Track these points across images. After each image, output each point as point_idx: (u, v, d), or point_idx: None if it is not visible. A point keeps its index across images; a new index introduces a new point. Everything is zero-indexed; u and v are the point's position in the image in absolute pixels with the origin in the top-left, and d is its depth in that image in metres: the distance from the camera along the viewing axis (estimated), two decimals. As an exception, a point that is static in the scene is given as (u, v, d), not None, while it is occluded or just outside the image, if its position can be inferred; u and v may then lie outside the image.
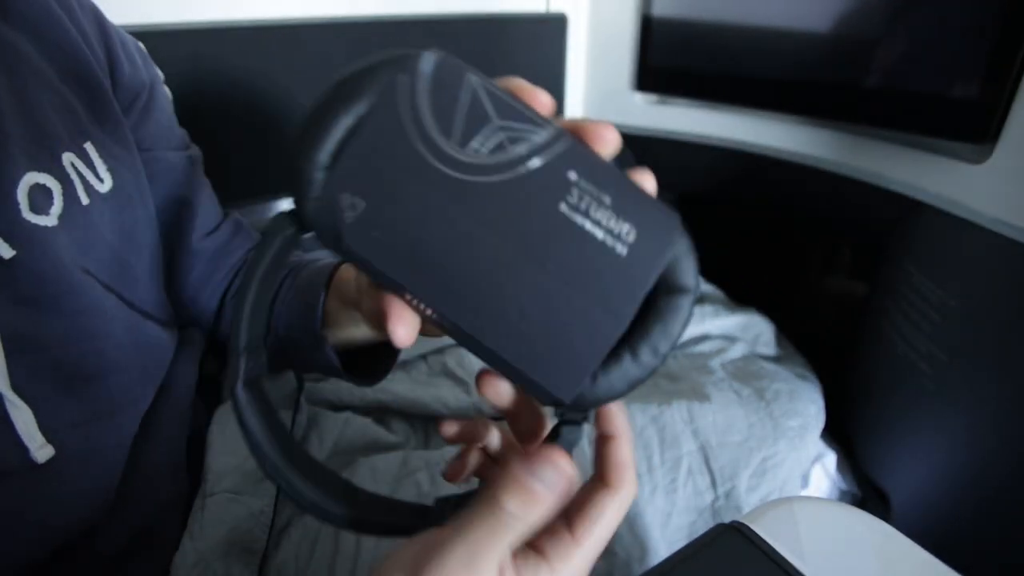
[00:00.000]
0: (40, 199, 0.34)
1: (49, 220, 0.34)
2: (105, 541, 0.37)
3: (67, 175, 0.36)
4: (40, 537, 0.35)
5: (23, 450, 0.33)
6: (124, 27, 0.63)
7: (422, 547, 0.22)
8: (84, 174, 0.37)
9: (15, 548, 0.34)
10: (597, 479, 0.24)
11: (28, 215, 0.33)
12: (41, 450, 0.34)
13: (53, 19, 0.38)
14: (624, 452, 0.25)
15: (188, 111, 0.67)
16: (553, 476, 0.22)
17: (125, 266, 0.40)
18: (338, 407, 0.58)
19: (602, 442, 0.25)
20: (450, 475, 0.32)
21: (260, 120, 0.72)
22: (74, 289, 0.35)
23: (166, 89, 0.49)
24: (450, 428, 0.31)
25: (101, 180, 0.38)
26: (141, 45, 0.47)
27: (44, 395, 0.34)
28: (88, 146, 0.38)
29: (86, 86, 0.39)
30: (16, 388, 0.33)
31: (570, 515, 0.23)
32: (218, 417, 0.50)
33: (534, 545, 0.23)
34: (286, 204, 0.78)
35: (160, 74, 0.48)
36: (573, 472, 0.23)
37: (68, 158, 0.36)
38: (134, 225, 0.41)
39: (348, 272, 0.42)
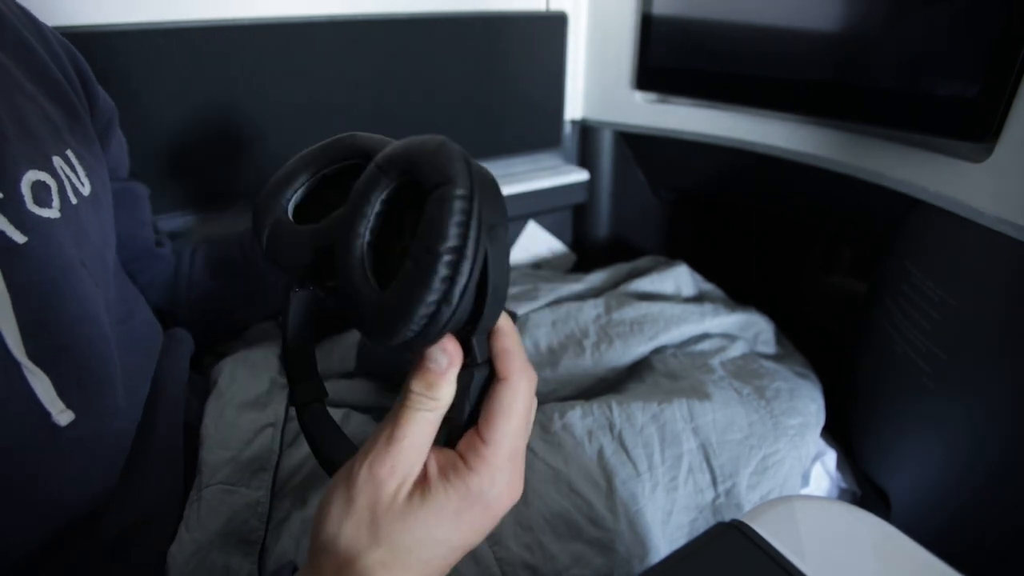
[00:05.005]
0: (42, 194, 0.36)
1: (52, 213, 0.37)
2: (106, 526, 0.38)
3: (59, 175, 0.38)
4: (49, 514, 0.36)
5: (45, 415, 0.35)
6: (125, 25, 0.64)
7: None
8: (70, 177, 0.40)
9: (25, 523, 0.35)
10: (494, 376, 0.29)
11: (33, 207, 0.35)
12: (62, 414, 0.35)
13: (28, 45, 0.42)
14: (505, 341, 0.29)
15: (188, 111, 0.67)
16: (441, 358, 0.27)
17: (104, 265, 0.43)
18: (337, 404, 0.58)
19: (490, 339, 0.29)
20: None
21: (260, 120, 0.72)
22: (77, 276, 0.38)
23: None
24: None
25: (83, 184, 0.41)
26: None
27: (59, 368, 0.35)
28: (69, 153, 0.41)
29: (61, 103, 0.43)
30: (32, 358, 0.34)
31: (479, 423, 0.29)
32: (210, 411, 0.50)
33: (457, 454, 0.29)
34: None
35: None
36: (458, 353, 0.28)
37: (57, 161, 0.39)
38: (106, 228, 0.45)
39: None
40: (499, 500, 0.29)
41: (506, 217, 0.27)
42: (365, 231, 0.27)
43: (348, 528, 0.27)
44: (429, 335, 0.25)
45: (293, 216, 0.33)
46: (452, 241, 0.23)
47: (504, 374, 0.29)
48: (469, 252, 0.24)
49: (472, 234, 0.24)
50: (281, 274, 0.55)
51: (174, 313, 0.60)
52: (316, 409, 0.35)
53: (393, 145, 0.28)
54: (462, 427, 0.29)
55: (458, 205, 0.23)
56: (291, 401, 0.36)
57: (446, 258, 0.23)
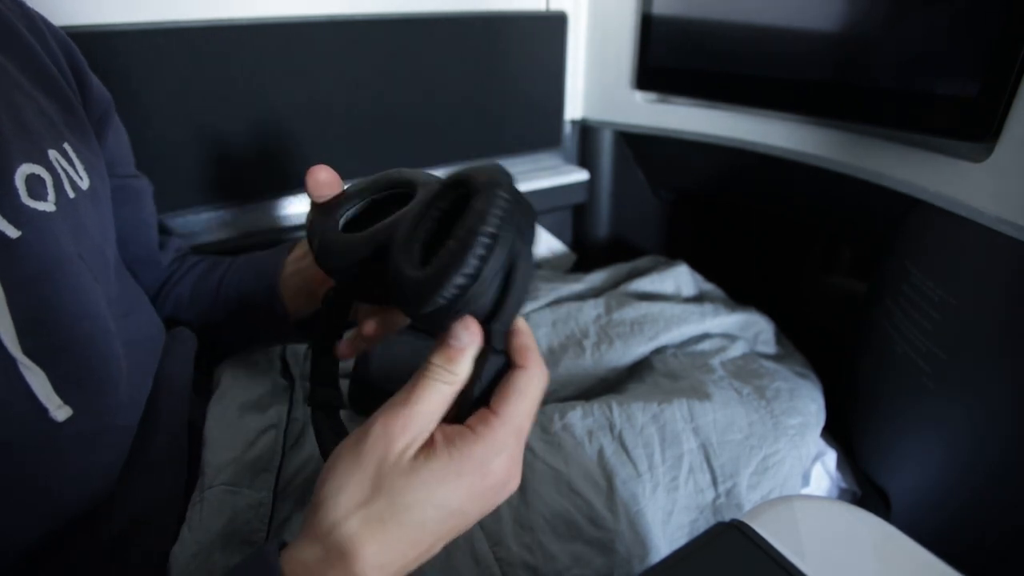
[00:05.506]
0: (37, 187, 0.36)
1: (48, 206, 0.36)
2: (106, 525, 0.38)
3: (55, 169, 0.38)
4: (49, 512, 0.36)
5: (42, 411, 0.34)
6: (125, 25, 0.64)
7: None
8: (67, 170, 0.40)
9: (24, 521, 0.35)
10: (510, 366, 0.31)
11: (28, 200, 0.35)
12: (59, 410, 0.35)
13: (23, 40, 0.41)
14: (524, 339, 0.32)
15: (188, 111, 0.67)
16: (463, 335, 0.30)
17: (104, 259, 0.43)
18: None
19: (509, 337, 0.32)
20: (344, 351, 0.41)
21: (260, 120, 0.72)
22: (75, 271, 0.37)
23: None
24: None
25: (81, 178, 0.41)
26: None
27: (56, 364, 0.35)
28: (66, 146, 0.41)
29: (57, 98, 0.43)
30: (28, 354, 0.34)
31: (491, 400, 0.31)
32: (213, 412, 0.50)
33: (465, 424, 0.30)
34: (290, 203, 0.78)
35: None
36: (479, 335, 0.30)
37: (53, 154, 0.39)
38: (106, 223, 0.44)
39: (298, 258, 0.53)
40: (496, 474, 0.30)
41: (535, 235, 0.31)
42: (422, 230, 0.32)
43: (352, 482, 0.29)
44: (456, 306, 0.28)
45: (343, 231, 0.38)
46: (491, 227, 0.27)
47: (522, 363, 0.31)
48: (504, 241, 0.28)
49: (509, 227, 0.28)
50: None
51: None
52: (331, 413, 0.39)
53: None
54: (471, 405, 0.31)
55: (501, 202, 0.28)
56: (309, 401, 0.40)
57: (484, 240, 0.27)
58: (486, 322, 0.30)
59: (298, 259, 0.52)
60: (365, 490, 0.29)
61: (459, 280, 0.27)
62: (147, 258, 0.56)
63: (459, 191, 0.31)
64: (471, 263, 0.27)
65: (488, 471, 0.30)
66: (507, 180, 0.29)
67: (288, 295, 0.52)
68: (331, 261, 0.37)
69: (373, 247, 0.35)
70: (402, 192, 0.38)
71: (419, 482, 0.29)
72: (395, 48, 0.77)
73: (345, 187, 0.41)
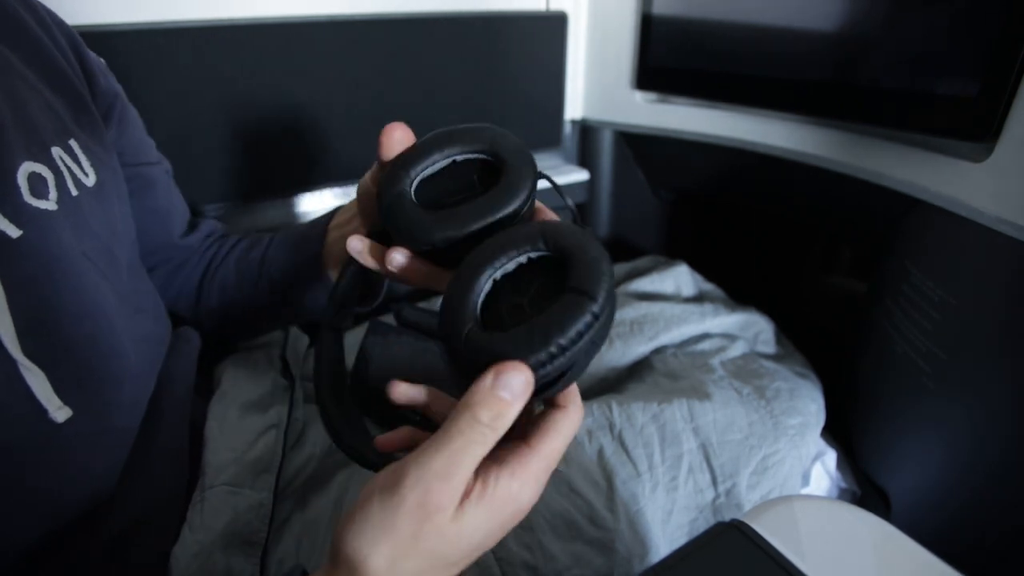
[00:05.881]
0: (39, 186, 0.36)
1: (50, 204, 0.36)
2: (106, 525, 0.38)
3: (58, 166, 0.38)
4: (49, 512, 0.36)
5: (42, 412, 0.34)
6: (125, 25, 0.64)
7: (401, 463, 0.27)
8: (71, 167, 0.39)
9: (25, 521, 0.35)
10: (548, 405, 0.31)
11: (30, 199, 0.35)
12: (59, 411, 0.35)
13: (30, 33, 0.41)
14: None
15: (188, 111, 0.67)
16: (518, 384, 0.27)
17: (112, 256, 0.42)
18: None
19: None
20: (383, 444, 0.35)
21: (259, 120, 0.72)
22: (77, 270, 0.37)
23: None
24: (401, 392, 0.34)
25: (86, 175, 0.40)
26: (102, 61, 0.50)
27: (56, 365, 0.35)
28: (72, 143, 0.40)
29: (64, 92, 0.42)
30: (29, 355, 0.34)
31: (527, 434, 0.29)
32: (213, 412, 0.50)
33: (494, 457, 0.28)
34: (303, 201, 0.78)
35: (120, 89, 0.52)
36: (531, 380, 0.27)
37: (56, 151, 0.38)
38: (116, 219, 0.44)
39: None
40: (524, 504, 0.29)
41: (609, 330, 0.31)
42: (497, 271, 0.32)
43: (386, 542, 0.26)
44: None
45: (416, 189, 0.36)
46: (565, 341, 0.28)
47: (563, 404, 0.31)
48: (570, 353, 0.28)
49: (581, 344, 0.28)
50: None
51: (193, 317, 0.58)
52: (337, 336, 0.41)
53: (563, 223, 0.32)
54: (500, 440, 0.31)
55: (586, 319, 0.28)
56: (324, 318, 0.41)
57: (553, 349, 0.28)
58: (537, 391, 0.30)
59: (341, 225, 0.51)
60: (400, 547, 0.26)
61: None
62: (159, 247, 0.55)
63: (555, 255, 0.31)
64: (533, 364, 0.28)
65: (518, 504, 0.29)
66: (604, 288, 0.29)
67: (332, 263, 0.51)
68: (396, 225, 0.35)
69: (445, 240, 0.33)
70: (487, 159, 0.37)
71: (459, 535, 0.27)
72: (395, 48, 0.77)
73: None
